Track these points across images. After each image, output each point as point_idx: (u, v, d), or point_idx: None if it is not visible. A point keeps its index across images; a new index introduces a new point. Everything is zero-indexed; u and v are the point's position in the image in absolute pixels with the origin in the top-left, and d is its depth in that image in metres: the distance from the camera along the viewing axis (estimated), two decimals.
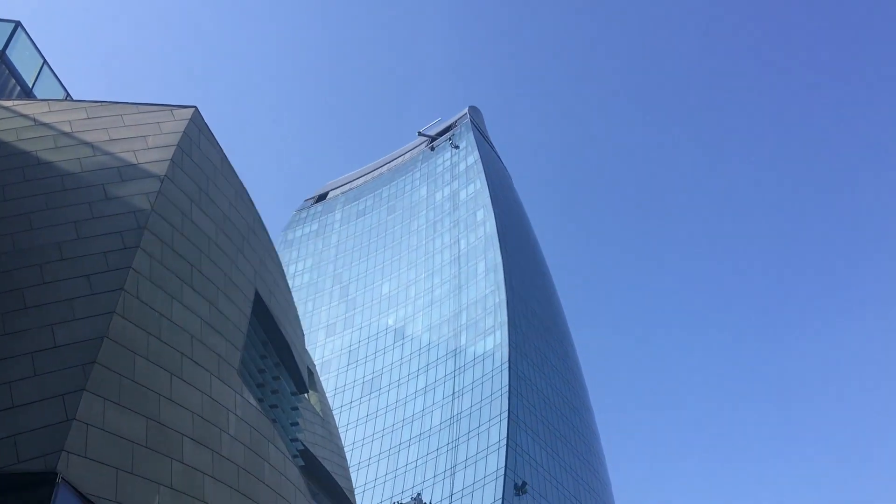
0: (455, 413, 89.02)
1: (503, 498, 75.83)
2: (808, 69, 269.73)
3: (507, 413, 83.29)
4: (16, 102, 23.55)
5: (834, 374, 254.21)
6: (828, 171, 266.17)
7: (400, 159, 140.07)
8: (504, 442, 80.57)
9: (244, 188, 25.05)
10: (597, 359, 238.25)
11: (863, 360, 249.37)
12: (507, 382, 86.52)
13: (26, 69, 29.84)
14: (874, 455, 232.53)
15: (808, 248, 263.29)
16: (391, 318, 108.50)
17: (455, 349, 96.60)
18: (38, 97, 29.58)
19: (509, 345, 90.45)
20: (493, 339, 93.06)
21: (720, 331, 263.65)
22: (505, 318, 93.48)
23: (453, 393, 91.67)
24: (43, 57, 30.97)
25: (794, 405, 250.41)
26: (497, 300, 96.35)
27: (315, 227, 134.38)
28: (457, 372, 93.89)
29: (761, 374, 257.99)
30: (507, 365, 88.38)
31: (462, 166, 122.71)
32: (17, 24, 29.66)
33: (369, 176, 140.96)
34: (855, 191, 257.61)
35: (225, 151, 24.45)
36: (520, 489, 77.68)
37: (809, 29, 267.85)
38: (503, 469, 78.08)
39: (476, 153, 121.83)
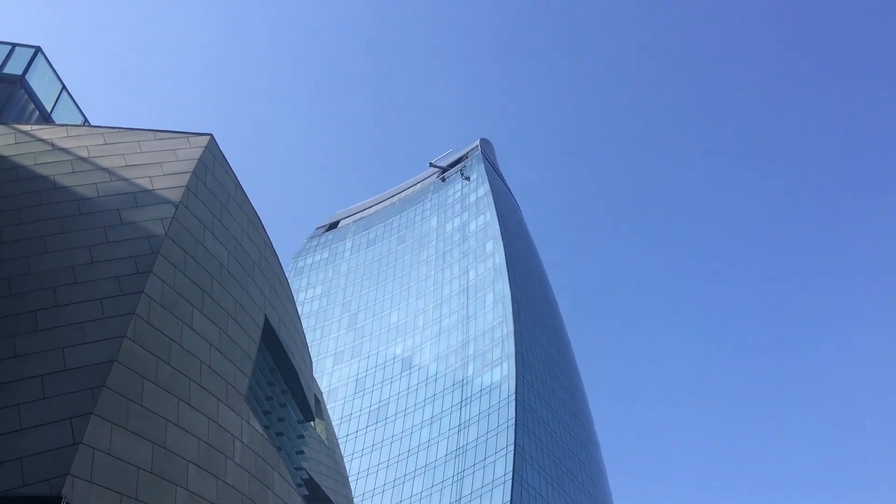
0: (461, 445, 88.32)
1: None
2: (813, 69, 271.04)
3: (513, 446, 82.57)
4: (34, 127, 23.86)
5: (848, 375, 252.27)
6: (830, 171, 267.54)
7: (411, 189, 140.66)
8: (510, 476, 79.77)
9: (257, 215, 25.22)
10: (604, 392, 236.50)
11: (870, 360, 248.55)
12: (513, 415, 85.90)
13: (45, 94, 30.23)
14: (879, 456, 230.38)
15: (820, 251, 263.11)
16: (399, 347, 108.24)
17: (462, 380, 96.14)
18: (57, 122, 29.94)
19: (516, 376, 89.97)
20: (500, 371, 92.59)
21: (732, 359, 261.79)
22: (512, 349, 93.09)
23: (459, 424, 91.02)
24: (62, 82, 31.38)
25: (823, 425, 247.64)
26: (505, 331, 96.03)
27: (325, 255, 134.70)
28: (463, 403, 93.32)
29: (773, 398, 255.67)
30: (513, 397, 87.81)
31: (472, 198, 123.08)
32: (38, 50, 30.10)
33: (380, 205, 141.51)
34: (860, 192, 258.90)
35: (239, 179, 24.66)
36: None
37: (814, 27, 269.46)
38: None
39: (486, 185, 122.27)
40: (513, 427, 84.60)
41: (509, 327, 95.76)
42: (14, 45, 30.03)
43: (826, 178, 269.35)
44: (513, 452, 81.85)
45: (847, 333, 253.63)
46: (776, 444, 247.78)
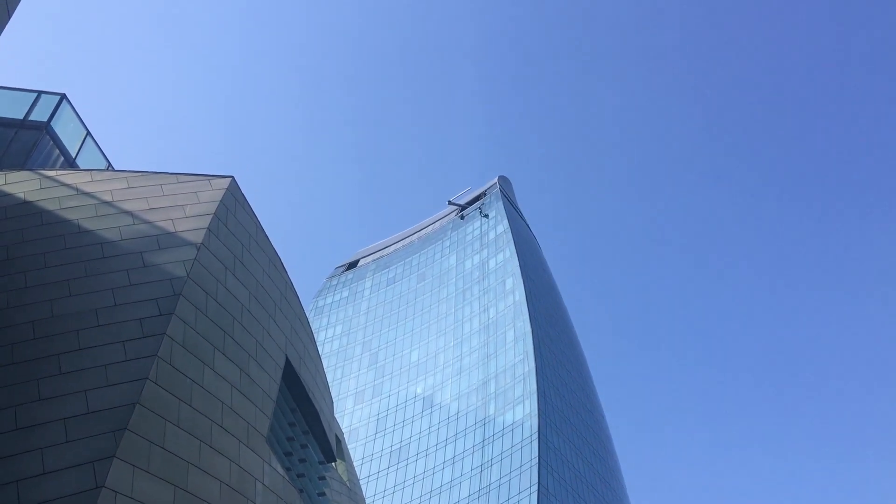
0: (484, 485, 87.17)
1: None
2: (823, 72, 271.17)
3: (537, 486, 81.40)
4: (59, 172, 24.24)
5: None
6: (833, 175, 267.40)
7: (430, 228, 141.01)
8: None
9: (278, 256, 25.35)
10: (627, 429, 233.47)
11: (870, 358, 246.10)
12: (536, 454, 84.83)
13: (70, 140, 30.74)
14: (880, 454, 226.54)
15: (830, 257, 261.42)
16: (420, 386, 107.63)
17: (484, 419, 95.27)
18: (81, 167, 30.39)
19: (538, 415, 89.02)
20: (522, 409, 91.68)
21: (753, 388, 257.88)
22: (534, 387, 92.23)
23: (482, 464, 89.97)
24: (86, 128, 31.91)
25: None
26: (526, 369, 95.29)
27: (346, 293, 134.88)
28: (485, 442, 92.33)
29: (785, 407, 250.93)
30: (536, 435, 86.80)
31: (491, 235, 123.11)
32: (63, 97, 30.68)
33: (399, 244, 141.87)
34: (857, 189, 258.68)
35: (260, 220, 24.84)
36: None
37: (819, 30, 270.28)
38: None
39: (505, 222, 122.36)
40: (536, 466, 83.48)
41: (530, 365, 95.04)
42: (40, 93, 30.66)
43: (829, 182, 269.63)
44: (537, 492, 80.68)
45: (848, 335, 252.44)
46: (787, 449, 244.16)
